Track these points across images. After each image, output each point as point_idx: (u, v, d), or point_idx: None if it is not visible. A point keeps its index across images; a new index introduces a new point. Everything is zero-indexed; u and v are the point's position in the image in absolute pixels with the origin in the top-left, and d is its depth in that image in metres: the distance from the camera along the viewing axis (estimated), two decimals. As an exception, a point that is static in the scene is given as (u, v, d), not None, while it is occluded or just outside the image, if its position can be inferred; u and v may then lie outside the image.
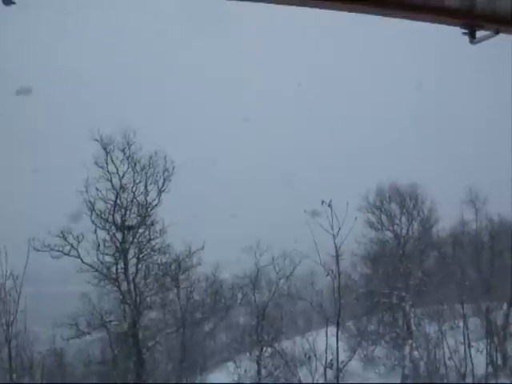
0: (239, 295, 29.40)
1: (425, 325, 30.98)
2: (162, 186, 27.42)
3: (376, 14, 2.92)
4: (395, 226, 33.83)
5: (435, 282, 31.83)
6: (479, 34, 3.09)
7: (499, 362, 31.31)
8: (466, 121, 42.10)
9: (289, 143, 41.88)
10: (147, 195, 27.41)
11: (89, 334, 26.80)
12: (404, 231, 33.80)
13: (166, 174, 27.27)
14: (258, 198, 37.62)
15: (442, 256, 33.49)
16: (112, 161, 26.40)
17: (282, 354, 28.57)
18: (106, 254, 26.98)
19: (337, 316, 24.24)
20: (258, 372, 28.18)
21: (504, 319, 32.01)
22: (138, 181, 27.13)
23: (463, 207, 35.17)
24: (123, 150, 26.44)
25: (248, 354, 28.43)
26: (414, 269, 32.15)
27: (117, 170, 26.57)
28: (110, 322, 27.17)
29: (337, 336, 24.26)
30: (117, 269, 27.11)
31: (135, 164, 26.85)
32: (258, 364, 28.27)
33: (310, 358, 27.91)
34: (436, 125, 43.39)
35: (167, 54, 47.02)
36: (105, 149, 26.10)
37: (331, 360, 26.77)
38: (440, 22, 3.05)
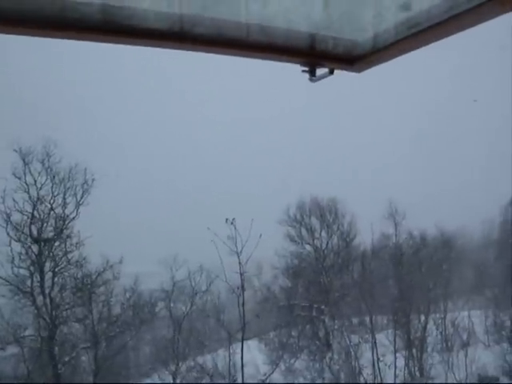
0: (157, 309, 35.66)
1: (344, 337, 38.14)
2: (81, 198, 33.22)
3: (221, 53, 3.42)
4: (315, 240, 41.14)
5: (355, 295, 39.13)
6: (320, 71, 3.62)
7: (417, 372, 39.11)
8: (385, 134, 51.09)
9: (210, 154, 48.82)
10: (65, 208, 33.01)
11: (2, 349, 31.82)
12: (324, 245, 41.19)
13: (86, 186, 33.10)
14: (178, 210, 44.13)
15: (361, 269, 41.03)
16: (30, 172, 31.94)
17: (200, 368, 34.81)
18: (21, 267, 31.96)
19: (242, 331, 30.21)
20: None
21: (421, 331, 39.84)
22: (56, 193, 32.67)
23: (383, 221, 43.36)
24: (42, 162, 32.10)
25: (165, 369, 34.58)
26: (334, 282, 39.44)
27: (35, 181, 31.87)
28: (24, 337, 31.99)
29: (241, 351, 30.37)
30: (32, 282, 32.22)
31: (54, 176, 32.45)
32: (174, 378, 34.39)
33: (230, 373, 34.44)
34: (355, 139, 52.05)
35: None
36: (23, 159, 31.65)
37: (234, 376, 33.39)
38: (282, 61, 3.58)
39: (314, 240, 41.17)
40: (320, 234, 41.36)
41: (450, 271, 42.55)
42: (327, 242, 41.40)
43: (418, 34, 3.24)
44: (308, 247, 41.19)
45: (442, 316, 41.01)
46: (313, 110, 52.42)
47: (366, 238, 42.05)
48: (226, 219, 28.08)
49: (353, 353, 36.99)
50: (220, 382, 34.11)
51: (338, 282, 39.64)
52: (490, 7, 2.85)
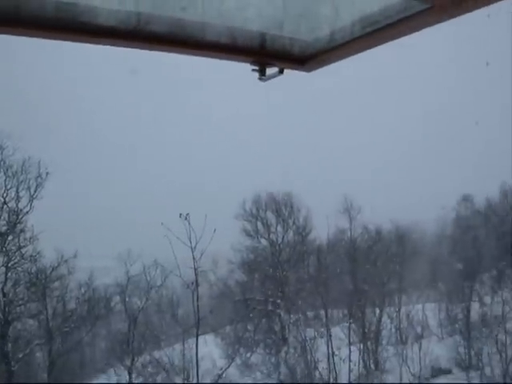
0: (112, 304, 36.39)
1: (300, 331, 39.36)
2: (34, 192, 33.71)
3: (175, 52, 3.46)
4: (271, 234, 42.30)
5: (310, 289, 40.38)
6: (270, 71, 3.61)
7: (372, 365, 40.63)
8: (340, 131, 52.79)
9: (166, 150, 49.69)
10: (18, 201, 33.46)
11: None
12: (279, 239, 42.40)
13: (39, 180, 33.59)
14: (133, 205, 44.97)
15: (317, 263, 42.31)
16: (-18, 165, 32.34)
17: (156, 363, 35.58)
18: (-27, 263, 32.73)
19: (196, 327, 30.83)
20: (130, 382, 34.98)
21: (376, 324, 41.35)
22: (9, 186, 33.11)
23: (338, 216, 44.79)
24: (-5, 154, 32.46)
25: (120, 364, 35.25)
26: (290, 276, 40.64)
27: (-14, 174, 32.51)
28: (-25, 334, 32.72)
29: (196, 346, 31.02)
30: (-16, 278, 32.91)
31: (7, 169, 32.92)
32: (130, 374, 35.10)
33: (186, 368, 35.35)
34: (311, 136, 53.66)
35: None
36: (-25, 152, 32.06)
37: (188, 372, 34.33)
38: (233, 60, 3.62)
39: (269, 234, 42.30)
40: (276, 229, 42.52)
41: (404, 265, 44.16)
42: (283, 237, 42.57)
43: (371, 34, 3.33)
44: (264, 241, 42.31)
45: (397, 309, 42.50)
46: (267, 108, 53.71)
47: (321, 232, 43.43)
48: (180, 214, 28.82)
49: (308, 347, 38.21)
50: (176, 376, 34.98)
51: (293, 276, 40.80)
52: (444, 9, 2.98)
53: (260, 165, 50.76)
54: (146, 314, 36.94)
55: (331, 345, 38.41)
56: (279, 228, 42.64)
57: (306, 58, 3.71)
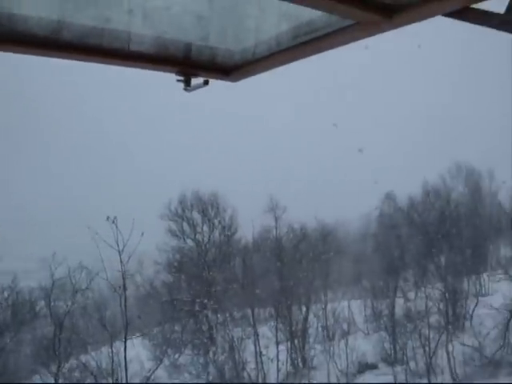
0: (37, 308, 36.31)
1: (227, 331, 40.21)
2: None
3: (98, 62, 3.48)
4: (197, 234, 42.91)
5: (237, 288, 41.28)
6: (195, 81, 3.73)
7: (299, 363, 41.86)
8: (268, 134, 54.22)
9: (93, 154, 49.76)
10: None
11: None
12: (206, 239, 43.08)
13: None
14: (60, 210, 44.82)
15: (243, 263, 43.27)
16: None
17: (83, 368, 35.70)
18: None
19: (125, 331, 31.29)
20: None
21: (303, 322, 42.60)
22: None
23: (264, 215, 45.92)
24: None
25: (46, 370, 35.23)
26: (216, 276, 41.37)
27: None
28: None
29: (125, 350, 31.58)
30: None
31: None
32: (56, 380, 35.09)
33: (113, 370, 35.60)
34: (238, 137, 54.97)
35: None
36: None
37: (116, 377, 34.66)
38: (158, 70, 3.70)
39: (195, 234, 42.82)
40: (202, 229, 43.08)
41: (329, 263, 45.59)
42: (209, 236, 43.18)
43: (297, 46, 3.42)
44: (190, 242, 42.81)
45: (323, 307, 43.86)
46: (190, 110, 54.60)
47: (247, 231, 44.46)
48: (108, 217, 29.12)
49: (236, 347, 39.11)
50: (103, 380, 35.20)
51: (220, 276, 41.50)
52: (372, 25, 3.10)
53: (186, 166, 51.60)
54: (72, 318, 36.94)
55: (259, 344, 39.41)
56: (205, 228, 43.24)
57: (230, 69, 3.82)
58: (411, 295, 43.23)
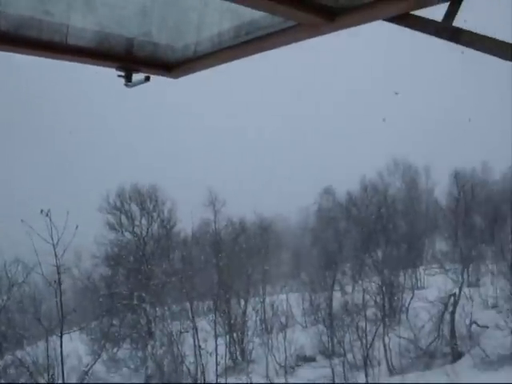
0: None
1: (166, 325, 40.05)
2: None
3: (34, 55, 3.38)
4: (135, 228, 42.62)
5: (175, 282, 41.09)
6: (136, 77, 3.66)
7: (238, 355, 42.03)
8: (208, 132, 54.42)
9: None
10: None
11: None
12: (144, 232, 42.83)
13: None
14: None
15: (182, 256, 43.09)
16: None
17: (19, 363, 35.08)
18: None
19: (60, 326, 30.74)
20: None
21: (241, 315, 42.75)
22: None
23: (203, 209, 45.93)
24: None
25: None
26: (155, 269, 41.17)
27: None
28: None
29: (61, 345, 30.89)
30: None
31: None
32: (-7, 376, 34.39)
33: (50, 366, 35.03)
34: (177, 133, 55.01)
35: None
36: None
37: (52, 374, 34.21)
38: (98, 65, 3.61)
39: (134, 227, 42.57)
40: (140, 222, 42.82)
41: (268, 256, 45.93)
42: (147, 230, 42.98)
43: (239, 45, 3.43)
44: (128, 235, 42.51)
45: (261, 300, 44.11)
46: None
47: (186, 225, 44.34)
48: (41, 210, 28.66)
49: (175, 340, 38.98)
50: (39, 376, 34.65)
51: (158, 270, 41.30)
52: (313, 27, 3.14)
53: (123, 160, 51.32)
54: (8, 313, 36.27)
55: (197, 338, 39.31)
56: (144, 221, 42.99)
57: (172, 65, 3.82)
58: (349, 288, 43.87)
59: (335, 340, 39.80)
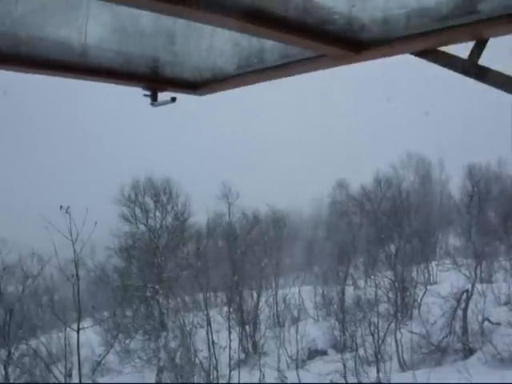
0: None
1: (179, 316, 40.29)
2: None
3: (60, 76, 3.52)
4: (149, 220, 42.86)
5: (189, 274, 41.36)
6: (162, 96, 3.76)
7: (250, 348, 42.26)
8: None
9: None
10: None
11: None
12: (158, 225, 43.04)
13: None
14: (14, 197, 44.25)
15: (195, 249, 43.29)
16: None
17: (33, 353, 35.50)
18: None
19: (78, 321, 30.71)
20: (6, 373, 34.65)
21: (254, 308, 42.97)
22: None
23: (217, 202, 46.20)
24: None
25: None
26: (168, 262, 41.43)
27: None
28: None
29: (78, 340, 31.30)
30: None
31: None
32: (6, 365, 34.74)
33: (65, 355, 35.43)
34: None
35: None
36: None
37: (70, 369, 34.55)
38: (124, 85, 3.72)
39: (148, 220, 42.79)
40: (154, 214, 43.03)
41: (281, 249, 46.10)
42: (161, 222, 43.19)
43: (264, 70, 3.55)
44: (142, 227, 42.71)
45: (274, 293, 44.34)
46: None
47: (200, 218, 44.61)
48: (61, 206, 28.84)
49: (187, 332, 39.22)
50: (53, 366, 35.03)
51: (172, 262, 41.58)
52: (321, 61, 3.26)
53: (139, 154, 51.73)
54: (23, 305, 36.61)
55: (211, 332, 39.53)
56: (158, 213, 43.20)
57: (198, 85, 3.90)
58: (361, 283, 43.91)
59: (347, 334, 39.88)
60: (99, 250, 39.79)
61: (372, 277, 42.23)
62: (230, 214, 45.86)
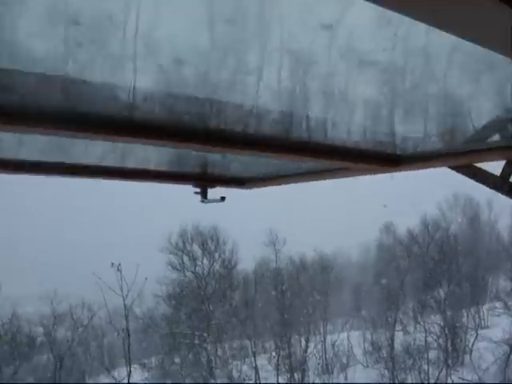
0: (37, 343, 36.45)
1: (227, 364, 40.35)
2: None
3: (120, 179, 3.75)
4: (197, 267, 43.22)
5: (236, 321, 41.46)
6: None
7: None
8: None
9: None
10: None
11: None
12: (205, 272, 43.37)
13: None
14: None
15: (243, 296, 43.44)
16: None
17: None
18: None
19: (127, 376, 31.37)
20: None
21: (302, 354, 42.69)
22: None
23: (264, 249, 46.46)
24: None
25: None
26: (216, 309, 41.61)
27: None
28: None
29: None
30: None
31: None
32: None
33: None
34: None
35: None
36: None
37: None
38: (176, 183, 3.93)
39: (195, 267, 43.12)
40: (202, 262, 43.38)
41: (328, 294, 45.83)
42: (209, 269, 43.48)
43: (304, 174, 3.85)
44: (190, 274, 43.09)
45: (322, 339, 43.96)
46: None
47: (247, 264, 44.87)
48: (112, 263, 29.15)
49: (236, 380, 39.22)
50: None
51: (220, 309, 41.76)
52: (359, 171, 3.45)
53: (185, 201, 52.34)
54: (73, 353, 37.15)
55: (258, 377, 39.45)
56: (205, 261, 43.55)
57: (245, 181, 4.11)
58: (410, 328, 43.32)
59: (397, 381, 39.25)
60: (147, 297, 40.17)
61: (421, 322, 41.60)
62: (276, 260, 45.94)
